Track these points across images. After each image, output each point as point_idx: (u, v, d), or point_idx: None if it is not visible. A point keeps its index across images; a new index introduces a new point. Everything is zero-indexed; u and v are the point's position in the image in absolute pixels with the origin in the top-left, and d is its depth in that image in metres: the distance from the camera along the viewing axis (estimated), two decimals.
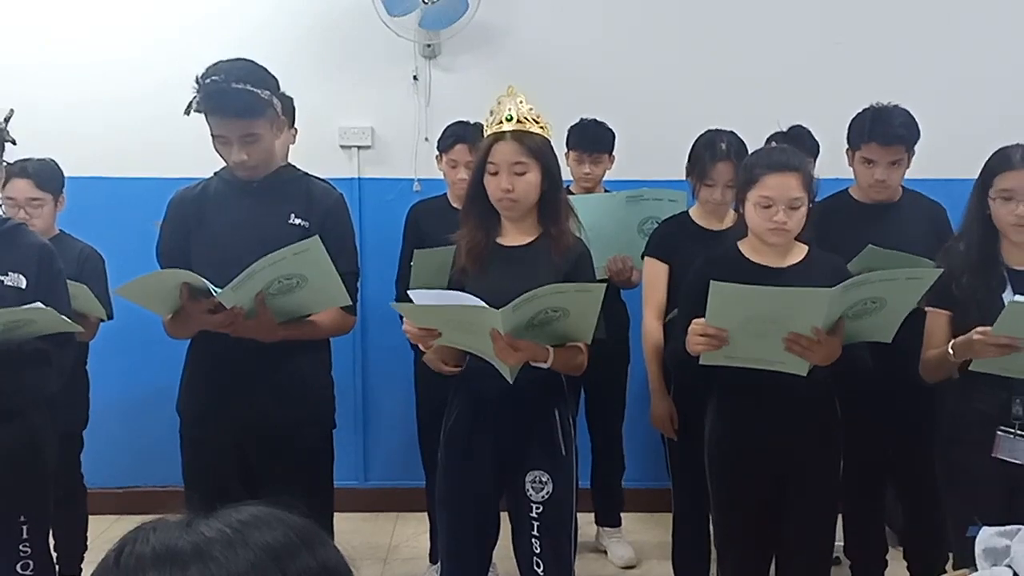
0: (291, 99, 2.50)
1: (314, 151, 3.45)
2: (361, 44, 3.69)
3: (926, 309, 2.21)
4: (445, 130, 3.08)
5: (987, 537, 1.62)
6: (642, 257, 2.79)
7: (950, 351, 2.13)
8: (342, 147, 3.78)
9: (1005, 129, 3.28)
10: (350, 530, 3.66)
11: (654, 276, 2.71)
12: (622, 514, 3.49)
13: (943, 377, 2.22)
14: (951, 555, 2.39)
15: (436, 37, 3.70)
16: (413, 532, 3.57)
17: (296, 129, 2.52)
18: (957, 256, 2.20)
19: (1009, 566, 1.55)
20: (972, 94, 3.65)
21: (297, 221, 2.20)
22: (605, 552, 3.44)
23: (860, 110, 2.69)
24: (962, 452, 2.21)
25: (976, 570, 1.61)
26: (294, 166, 2.38)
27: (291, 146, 2.75)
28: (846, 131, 2.70)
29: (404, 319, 2.05)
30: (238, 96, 2.08)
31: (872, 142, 2.57)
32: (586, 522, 3.49)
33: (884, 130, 2.54)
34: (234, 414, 2.18)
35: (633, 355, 3.25)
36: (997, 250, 2.18)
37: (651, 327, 2.69)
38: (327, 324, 2.24)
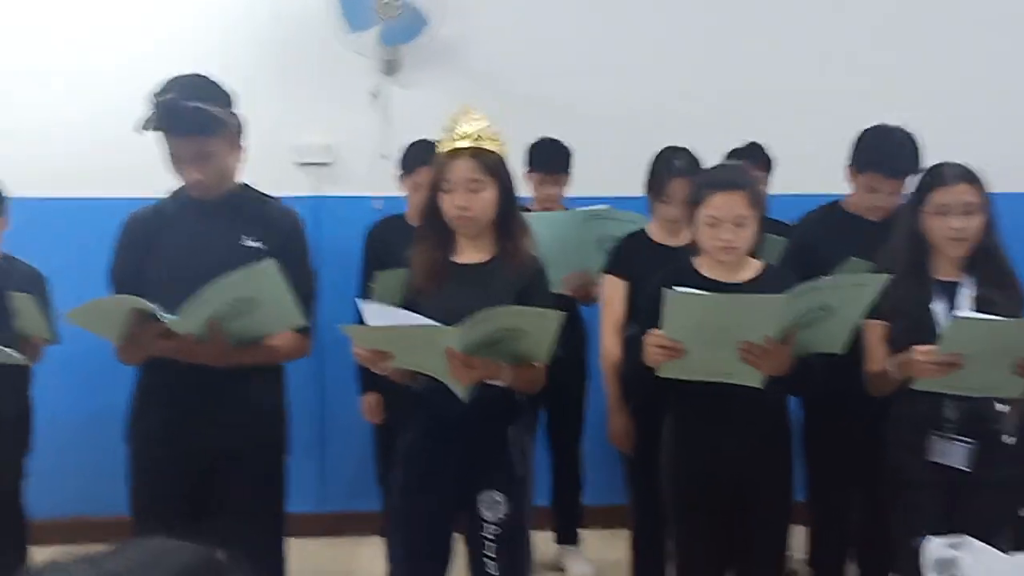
0: (240, 117, 2.46)
1: (271, 169, 3.41)
2: (319, 60, 3.67)
3: (862, 322, 2.25)
4: (408, 151, 3.05)
5: (935, 548, 1.64)
6: (601, 273, 2.79)
7: (891, 370, 2.17)
8: (299, 165, 3.74)
9: (982, 140, 3.42)
10: (307, 555, 3.57)
11: (613, 292, 2.72)
12: (581, 531, 3.48)
13: (889, 392, 2.25)
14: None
15: (396, 53, 3.69)
16: (371, 556, 3.51)
17: (243, 147, 2.47)
18: (888, 269, 2.24)
19: None
20: (957, 106, 3.72)
21: (253, 243, 2.16)
22: (564, 570, 3.42)
23: (865, 128, 2.69)
24: (900, 457, 2.25)
25: None
26: (250, 186, 2.34)
27: (240, 164, 2.69)
28: (851, 147, 2.70)
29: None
30: (193, 113, 2.04)
31: (878, 173, 2.60)
32: (545, 540, 3.47)
33: (891, 164, 2.57)
34: (185, 440, 2.13)
35: (592, 371, 3.25)
36: (927, 263, 2.24)
37: (609, 343, 2.70)
38: (282, 348, 2.20)
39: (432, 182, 2.11)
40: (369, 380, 2.97)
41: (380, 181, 3.60)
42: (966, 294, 2.23)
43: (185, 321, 1.99)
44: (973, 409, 2.21)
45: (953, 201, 2.18)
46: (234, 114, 2.23)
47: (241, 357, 2.10)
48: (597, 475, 3.49)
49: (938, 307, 2.22)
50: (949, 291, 2.24)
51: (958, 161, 2.28)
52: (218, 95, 2.12)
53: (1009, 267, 2.27)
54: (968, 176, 2.22)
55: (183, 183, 2.18)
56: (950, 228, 2.19)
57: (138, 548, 0.75)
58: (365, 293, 2.87)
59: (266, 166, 3.33)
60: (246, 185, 2.34)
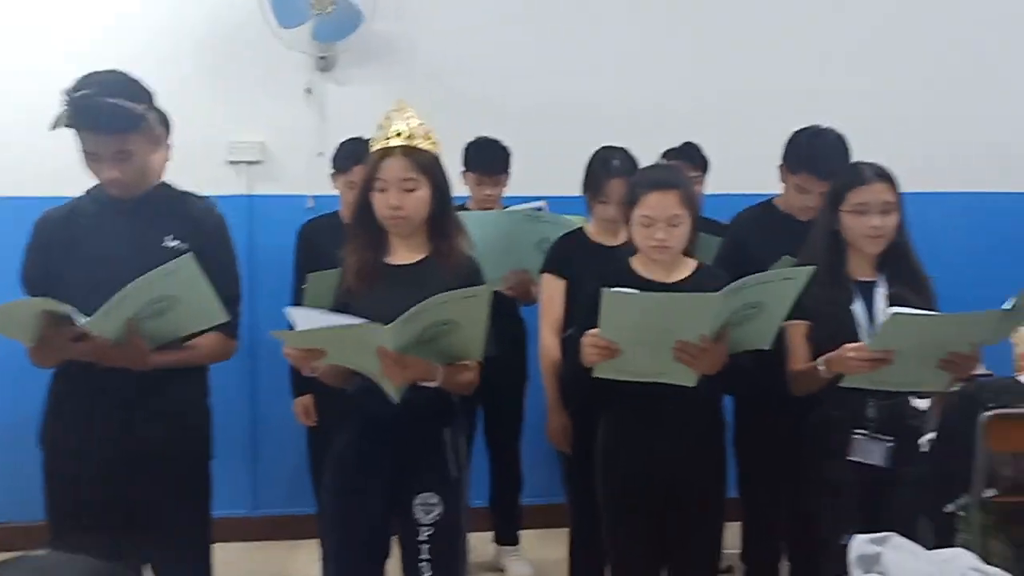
0: (164, 113, 2.38)
1: (201, 167, 3.33)
2: (251, 56, 3.59)
3: (783, 323, 2.29)
4: (341, 148, 3.00)
5: (860, 545, 1.68)
6: (540, 273, 2.79)
7: (821, 368, 2.21)
8: (231, 163, 3.66)
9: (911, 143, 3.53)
10: (239, 561, 3.51)
11: (551, 292, 2.72)
12: (521, 532, 3.47)
13: (814, 390, 2.29)
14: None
15: (330, 49, 3.63)
16: (306, 560, 3.45)
17: (170, 144, 2.39)
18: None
19: (881, 573, 1.60)
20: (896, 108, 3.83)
21: (174, 243, 2.10)
22: (504, 571, 3.41)
23: (797, 130, 2.73)
24: (823, 459, 2.29)
25: None
26: (171, 184, 2.28)
27: (168, 162, 2.61)
28: (783, 149, 2.74)
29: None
30: (110, 110, 1.97)
31: (809, 174, 2.64)
32: (484, 541, 3.46)
33: (822, 165, 2.60)
34: (99, 447, 2.06)
35: (531, 371, 3.25)
36: (844, 262, 2.29)
37: (548, 343, 2.70)
38: (205, 349, 2.14)
39: (364, 181, 2.07)
40: (302, 383, 2.91)
41: (315, 179, 3.54)
42: (881, 293, 2.29)
43: (100, 323, 1.92)
44: (893, 407, 2.26)
45: (872, 200, 2.23)
46: (158, 110, 2.17)
47: (161, 359, 2.04)
48: (536, 474, 3.49)
49: (857, 306, 2.27)
50: (866, 290, 2.29)
51: (874, 161, 2.34)
52: (137, 91, 2.05)
53: (919, 265, 2.33)
54: (885, 175, 2.28)
55: (100, 182, 2.10)
56: (869, 227, 2.24)
57: (31, 563, 0.72)
58: (298, 294, 2.82)
59: (198, 164, 3.26)
60: (166, 183, 2.27)
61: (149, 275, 1.91)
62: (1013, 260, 3.92)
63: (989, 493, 2.97)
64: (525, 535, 3.49)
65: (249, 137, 3.65)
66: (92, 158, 2.04)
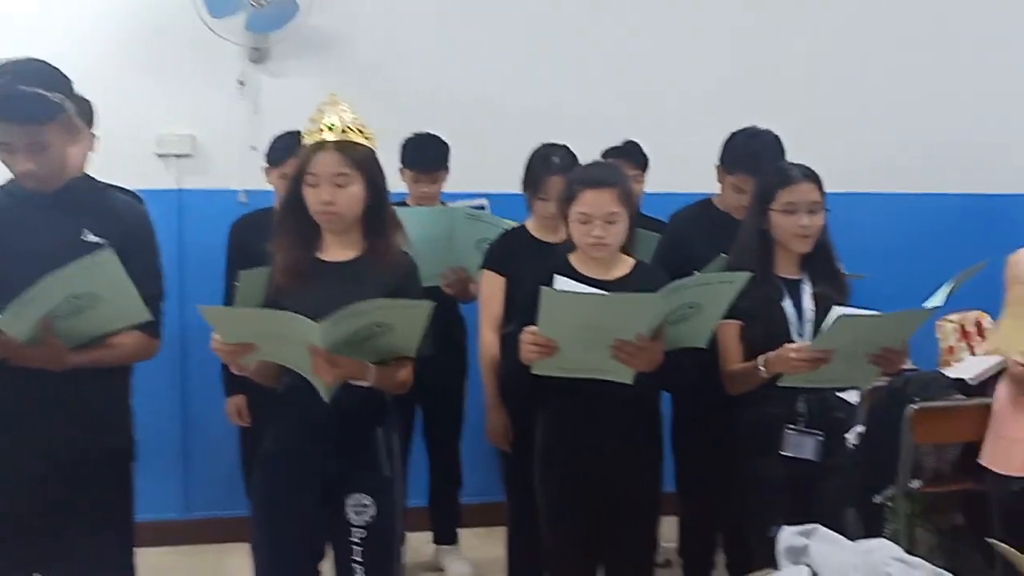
0: (89, 102, 2.28)
1: (128, 160, 3.24)
2: (182, 46, 3.48)
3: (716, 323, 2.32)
4: (276, 141, 2.94)
5: (787, 537, 1.71)
6: (480, 269, 2.77)
7: (762, 368, 2.24)
8: (160, 156, 3.54)
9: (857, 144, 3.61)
10: (170, 565, 3.43)
11: (491, 289, 2.70)
12: (461, 530, 3.45)
13: (749, 388, 2.33)
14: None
15: (264, 41, 3.55)
16: (239, 564, 3.36)
17: (96, 135, 2.30)
18: (738, 269, 2.32)
19: (808, 564, 1.64)
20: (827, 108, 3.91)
21: (93, 238, 2.01)
22: (443, 570, 3.39)
23: (734, 131, 2.76)
24: (754, 455, 2.33)
25: (778, 569, 1.69)
26: (91, 177, 2.19)
27: (91, 154, 2.52)
28: (720, 148, 2.77)
29: (213, 335, 1.90)
30: (25, 99, 1.88)
31: (747, 175, 2.66)
32: (424, 541, 3.43)
33: (758, 166, 2.62)
34: (17, 449, 1.98)
35: (471, 369, 3.23)
36: (773, 262, 2.34)
37: (488, 340, 2.68)
38: (126, 349, 2.06)
39: (294, 175, 2.02)
40: (235, 382, 2.84)
41: (248, 174, 3.46)
42: (807, 291, 2.34)
43: (10, 321, 1.84)
44: (821, 402, 2.32)
45: (800, 200, 2.29)
46: (79, 100, 2.08)
47: (80, 359, 1.96)
48: (475, 473, 3.47)
49: (787, 304, 2.32)
50: (793, 288, 2.34)
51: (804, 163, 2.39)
52: (54, 80, 1.96)
53: (838, 263, 2.39)
54: (812, 175, 2.34)
55: (14, 174, 2.01)
56: (799, 225, 2.29)
57: None
58: (230, 292, 2.75)
59: (125, 157, 3.16)
60: (88, 176, 2.19)
61: (65, 270, 1.83)
62: (934, 258, 4.06)
63: (915, 484, 3.08)
64: (464, 534, 3.47)
65: (179, 130, 3.54)
66: (5, 149, 1.95)
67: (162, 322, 2.13)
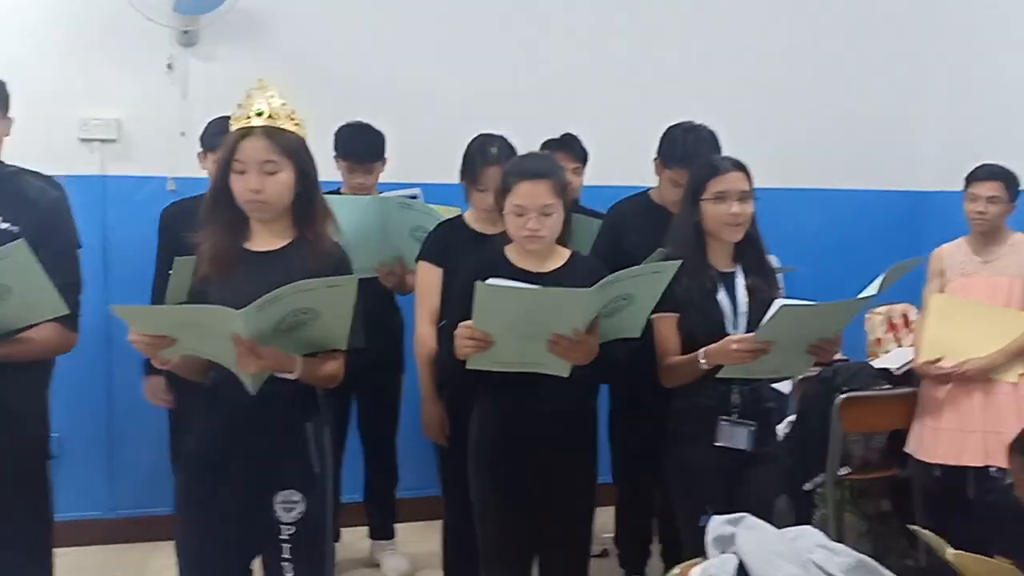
0: (3, 83, 2.17)
1: (50, 145, 3.11)
2: (107, 27, 3.35)
3: (652, 316, 2.33)
4: (211, 126, 2.84)
5: (716, 526, 1.73)
6: (416, 261, 2.73)
7: (702, 360, 2.27)
8: (83, 140, 3.40)
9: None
10: (95, 565, 3.33)
11: (427, 281, 2.67)
12: (397, 525, 3.41)
13: (687, 381, 2.34)
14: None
15: (194, 23, 3.44)
16: (166, 563, 3.26)
17: (11, 118, 2.19)
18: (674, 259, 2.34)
19: (735, 552, 1.66)
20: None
21: (4, 225, 1.93)
22: (379, 566, 3.35)
23: (671, 125, 2.77)
24: (687, 446, 2.36)
25: (707, 558, 1.71)
26: (4, 162, 2.10)
27: (7, 137, 2.40)
28: (658, 142, 2.78)
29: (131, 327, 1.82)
30: None
31: (684, 169, 2.66)
32: (359, 536, 3.39)
33: (695, 161, 2.60)
34: None
35: (407, 362, 3.19)
36: (706, 255, 2.38)
37: (424, 332, 2.65)
38: (41, 343, 1.98)
39: (221, 161, 1.95)
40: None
41: (178, 160, 3.35)
42: (741, 283, 2.37)
43: None
44: (754, 392, 2.36)
45: (730, 188, 2.32)
46: None
47: None
48: (411, 467, 3.44)
49: (722, 296, 2.35)
50: (727, 281, 2.37)
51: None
52: None
53: (766, 255, 2.44)
54: (740, 166, 2.38)
55: None
56: (729, 213, 2.32)
57: None
58: (160, 280, 2.66)
59: (46, 141, 3.03)
60: (0, 161, 2.09)
61: None
62: (861, 253, 4.17)
63: (843, 471, 3.15)
64: (401, 528, 3.44)
65: (103, 114, 3.41)
66: None
67: (79, 314, 2.05)
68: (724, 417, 2.32)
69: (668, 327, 2.35)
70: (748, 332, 2.25)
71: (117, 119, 3.42)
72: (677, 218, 2.44)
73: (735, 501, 2.18)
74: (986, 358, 2.94)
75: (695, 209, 2.36)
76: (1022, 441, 2.15)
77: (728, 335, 2.27)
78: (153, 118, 3.43)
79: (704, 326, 2.29)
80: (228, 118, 2.77)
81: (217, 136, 2.77)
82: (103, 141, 3.42)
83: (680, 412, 2.38)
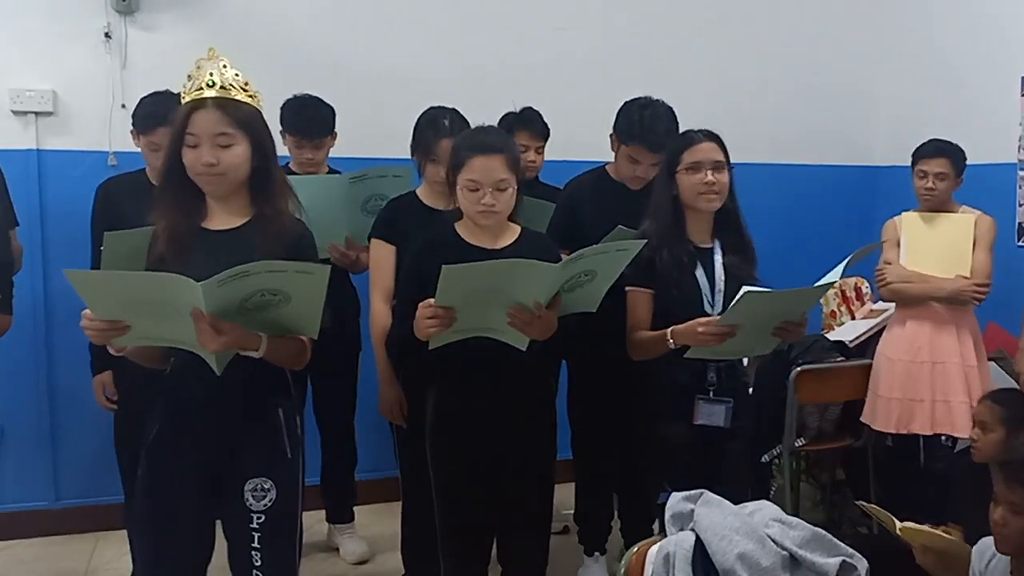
0: None
1: None
2: None
3: (627, 289, 2.32)
4: (142, 105, 2.70)
5: (675, 503, 1.72)
6: (368, 239, 2.66)
7: (670, 340, 2.26)
8: (15, 113, 3.24)
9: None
10: (39, 557, 3.22)
11: (381, 258, 2.60)
12: (355, 508, 3.36)
13: (653, 357, 2.34)
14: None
15: None
16: (114, 554, 3.18)
17: None
18: (652, 237, 2.33)
19: (692, 528, 1.65)
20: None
21: None
22: (337, 550, 3.30)
23: (629, 100, 2.74)
24: (663, 424, 2.36)
25: (667, 536, 1.70)
26: None
27: None
28: (614, 118, 2.75)
29: (84, 312, 1.72)
30: None
31: (641, 146, 2.66)
32: (317, 520, 3.33)
33: (652, 137, 2.64)
34: None
35: (364, 342, 3.12)
36: (684, 229, 2.36)
37: (379, 311, 2.58)
38: None
39: (173, 136, 1.85)
40: (102, 358, 2.64)
41: (117, 134, 3.21)
42: (719, 260, 2.37)
43: None
44: (730, 368, 2.37)
45: (704, 158, 2.32)
46: None
47: None
48: (369, 448, 3.38)
49: (699, 272, 2.34)
50: (705, 258, 2.36)
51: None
52: None
53: (746, 231, 2.43)
54: (713, 136, 2.37)
55: None
56: (703, 183, 2.31)
57: None
58: (96, 258, 2.54)
59: None
60: None
61: None
62: (817, 226, 4.20)
63: (799, 442, 3.19)
64: (359, 511, 3.38)
65: (37, 84, 3.25)
66: None
67: (13, 295, 1.94)
68: (701, 396, 2.33)
69: (642, 301, 2.34)
70: (725, 309, 2.25)
71: (52, 90, 3.27)
72: (654, 194, 2.42)
73: (712, 476, 2.17)
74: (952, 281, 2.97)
75: (671, 182, 2.36)
76: (998, 393, 2.18)
77: (705, 312, 2.28)
78: (90, 90, 3.29)
79: (681, 302, 2.29)
80: (159, 95, 2.69)
81: (147, 117, 2.65)
82: (38, 114, 3.26)
83: (656, 390, 2.37)
